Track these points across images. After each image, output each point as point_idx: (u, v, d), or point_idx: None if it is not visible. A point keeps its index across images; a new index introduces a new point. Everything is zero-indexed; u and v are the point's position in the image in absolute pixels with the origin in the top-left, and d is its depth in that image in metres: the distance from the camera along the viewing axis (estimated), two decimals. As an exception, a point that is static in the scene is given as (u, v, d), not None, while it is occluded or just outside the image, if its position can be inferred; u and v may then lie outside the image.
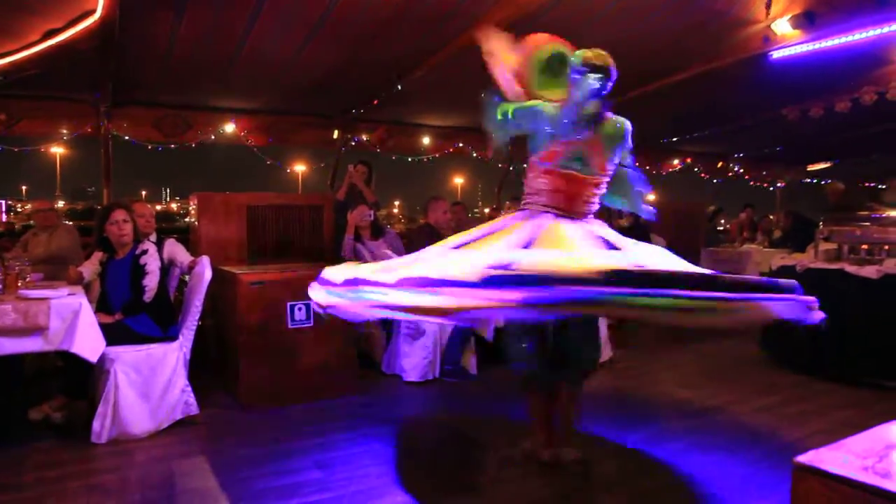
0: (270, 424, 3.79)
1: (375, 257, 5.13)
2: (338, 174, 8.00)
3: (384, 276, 2.45)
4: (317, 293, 2.81)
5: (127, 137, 6.72)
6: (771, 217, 10.59)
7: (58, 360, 3.95)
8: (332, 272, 2.81)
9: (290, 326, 4.16)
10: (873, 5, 4.72)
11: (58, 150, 7.41)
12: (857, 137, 9.47)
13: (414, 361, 4.71)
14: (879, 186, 11.24)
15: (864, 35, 5.18)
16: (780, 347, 5.24)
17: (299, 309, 4.16)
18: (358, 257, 5.23)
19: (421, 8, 4.78)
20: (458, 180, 41.14)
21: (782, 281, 2.27)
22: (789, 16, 5.20)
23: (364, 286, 2.48)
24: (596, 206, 2.99)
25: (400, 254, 5.28)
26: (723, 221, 9.93)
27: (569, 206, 2.88)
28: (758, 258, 7.87)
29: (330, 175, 8.19)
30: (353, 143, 8.05)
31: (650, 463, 3.24)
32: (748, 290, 2.11)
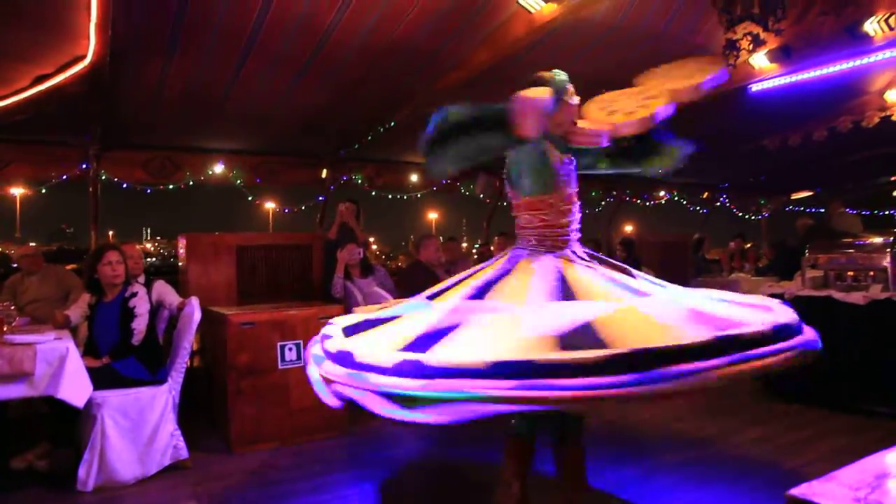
0: (262, 467, 3.73)
1: (366, 296, 5.12)
2: (326, 213, 8.03)
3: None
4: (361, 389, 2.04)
5: (116, 179, 6.74)
6: (748, 246, 10.65)
7: (42, 405, 3.88)
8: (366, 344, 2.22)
9: (280, 367, 4.12)
10: (846, 40, 4.87)
11: (17, 191, 7.28)
12: (837, 165, 9.66)
13: (406, 399, 4.66)
14: (819, 210, 11.49)
15: (838, 68, 5.33)
16: (772, 376, 5.24)
17: (289, 349, 4.13)
18: (348, 296, 5.21)
19: (405, 50, 4.88)
20: (433, 215, 40.54)
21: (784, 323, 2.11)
22: (766, 50, 5.35)
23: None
24: (537, 233, 2.71)
25: (390, 291, 5.28)
26: (704, 251, 10.05)
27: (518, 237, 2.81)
28: (746, 287, 7.92)
29: (319, 214, 8.22)
30: (343, 182, 8.10)
31: (645, 498, 3.20)
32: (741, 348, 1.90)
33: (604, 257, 2.81)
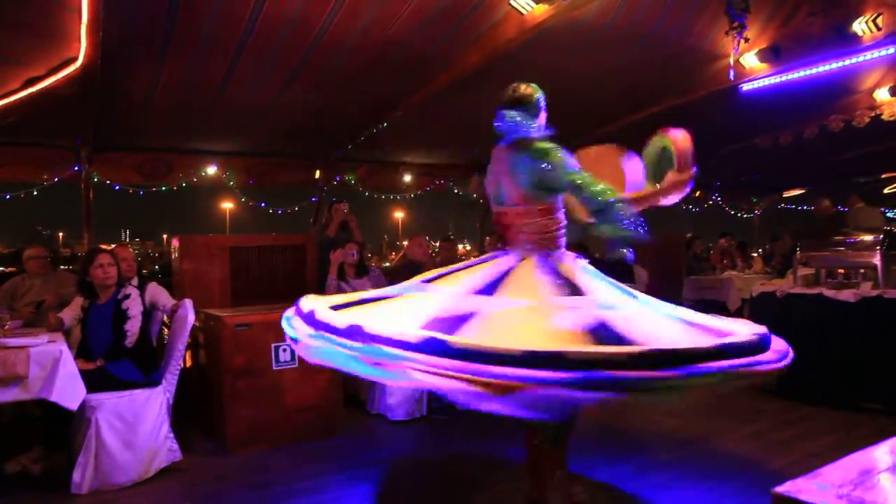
0: (257, 469, 3.73)
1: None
2: (320, 213, 8.04)
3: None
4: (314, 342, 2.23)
5: (108, 182, 6.72)
6: (734, 244, 10.67)
7: (35, 408, 3.87)
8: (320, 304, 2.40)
9: (274, 368, 4.13)
10: (834, 40, 4.92)
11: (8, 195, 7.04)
12: (829, 164, 9.73)
13: (400, 399, 4.66)
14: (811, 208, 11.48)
15: (827, 67, 5.38)
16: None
17: (284, 350, 4.13)
18: (342, 296, 5.21)
19: (398, 51, 4.89)
20: (399, 215, 38.75)
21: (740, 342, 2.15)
22: (756, 50, 5.39)
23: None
24: (542, 237, 2.73)
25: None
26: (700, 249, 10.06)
27: (512, 240, 2.76)
28: (739, 284, 7.97)
29: (312, 215, 8.23)
30: (336, 182, 8.11)
31: (638, 497, 3.22)
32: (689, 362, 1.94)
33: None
